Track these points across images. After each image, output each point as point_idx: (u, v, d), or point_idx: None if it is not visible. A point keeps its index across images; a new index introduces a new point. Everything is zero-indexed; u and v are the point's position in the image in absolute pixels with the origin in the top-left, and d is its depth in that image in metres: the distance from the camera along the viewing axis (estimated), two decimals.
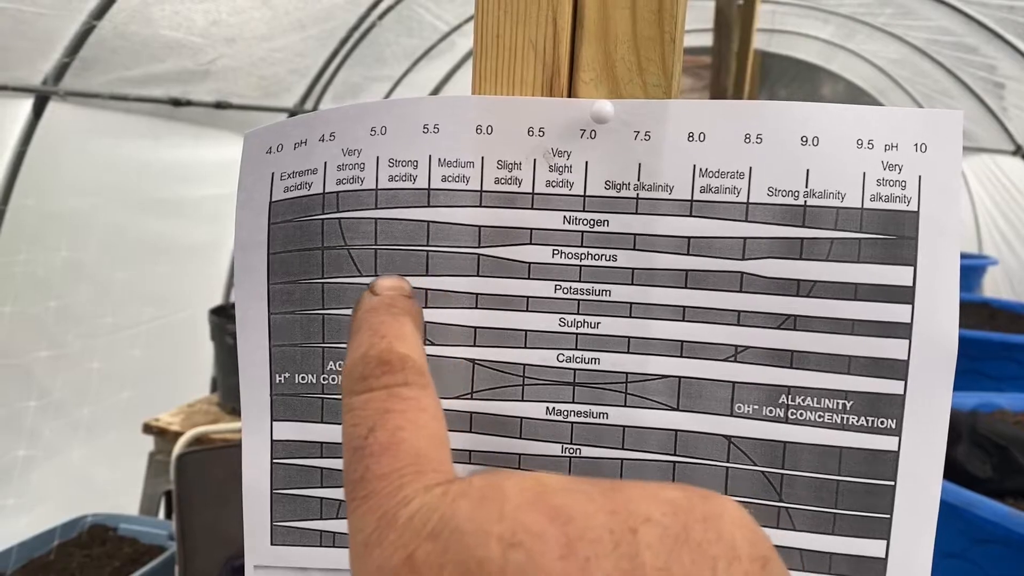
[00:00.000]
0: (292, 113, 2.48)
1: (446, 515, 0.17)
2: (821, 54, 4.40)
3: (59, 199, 1.77)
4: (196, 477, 1.41)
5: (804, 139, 0.25)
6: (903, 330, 0.25)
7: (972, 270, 3.30)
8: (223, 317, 1.97)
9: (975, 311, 2.67)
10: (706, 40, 2.17)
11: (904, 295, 0.25)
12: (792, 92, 4.87)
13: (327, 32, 2.37)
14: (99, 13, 1.58)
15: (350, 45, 2.50)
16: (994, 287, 3.43)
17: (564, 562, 0.16)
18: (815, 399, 0.25)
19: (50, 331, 1.78)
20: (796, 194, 0.25)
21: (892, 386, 0.25)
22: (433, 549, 0.17)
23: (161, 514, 1.89)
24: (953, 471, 1.37)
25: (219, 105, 2.08)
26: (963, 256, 3.55)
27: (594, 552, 0.16)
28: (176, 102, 1.92)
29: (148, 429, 1.88)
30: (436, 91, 3.33)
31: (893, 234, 0.25)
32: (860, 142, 0.24)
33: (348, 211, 0.27)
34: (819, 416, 0.25)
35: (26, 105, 1.62)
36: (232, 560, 1.38)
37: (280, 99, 2.47)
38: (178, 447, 1.47)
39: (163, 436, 1.85)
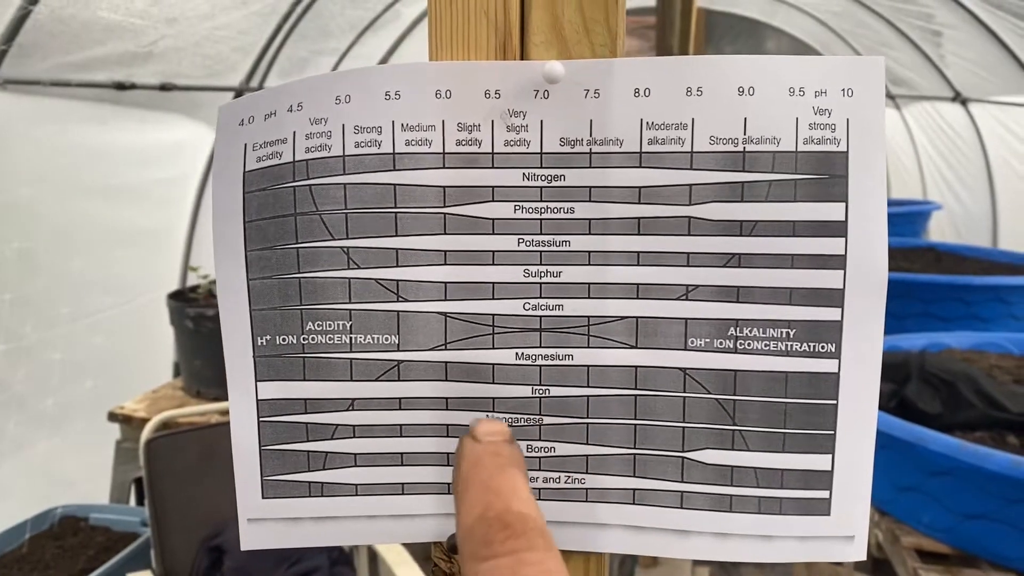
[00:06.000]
0: (238, 92, 2.44)
1: None
2: (763, 9, 4.43)
3: (6, 189, 1.74)
4: (166, 461, 1.41)
5: (741, 90, 0.26)
6: (838, 261, 0.27)
7: (917, 215, 3.39)
8: (181, 301, 1.96)
9: (921, 255, 2.74)
10: (650, 0, 2.18)
11: (838, 229, 0.27)
12: (738, 49, 4.90)
13: (269, 7, 2.33)
14: None
15: (293, 19, 2.47)
16: (939, 231, 3.52)
17: None
18: (761, 329, 0.27)
19: (5, 324, 1.75)
20: (735, 141, 0.27)
21: (830, 313, 0.27)
22: None
23: (132, 501, 1.89)
24: (905, 408, 1.42)
25: (164, 87, 2.04)
26: (908, 202, 3.62)
27: None
28: (120, 86, 1.88)
29: (113, 417, 1.87)
30: (384, 62, 3.29)
31: (825, 173, 0.27)
32: (792, 90, 0.26)
33: (318, 178, 0.28)
34: (765, 345, 0.27)
35: None
36: (208, 541, 1.39)
37: (225, 78, 2.43)
38: (146, 433, 1.47)
39: (129, 423, 1.84)
